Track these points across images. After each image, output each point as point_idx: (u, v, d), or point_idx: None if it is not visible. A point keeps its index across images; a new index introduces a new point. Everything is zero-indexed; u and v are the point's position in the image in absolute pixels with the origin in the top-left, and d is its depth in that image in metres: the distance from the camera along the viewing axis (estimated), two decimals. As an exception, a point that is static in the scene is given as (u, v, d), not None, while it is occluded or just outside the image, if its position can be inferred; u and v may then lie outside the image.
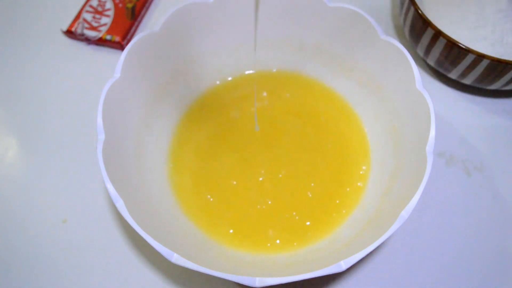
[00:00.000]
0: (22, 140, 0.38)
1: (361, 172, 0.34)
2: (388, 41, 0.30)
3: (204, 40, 0.35)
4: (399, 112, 0.32)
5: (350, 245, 0.27)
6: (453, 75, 0.38)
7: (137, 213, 0.25)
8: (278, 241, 0.31)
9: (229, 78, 0.39)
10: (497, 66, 0.33)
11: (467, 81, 0.37)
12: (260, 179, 0.33)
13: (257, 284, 0.22)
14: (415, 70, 0.29)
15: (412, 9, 0.36)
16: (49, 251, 0.33)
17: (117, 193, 0.25)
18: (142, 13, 0.45)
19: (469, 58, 0.34)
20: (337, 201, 0.32)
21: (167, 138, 0.35)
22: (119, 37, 0.42)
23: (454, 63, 0.36)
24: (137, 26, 0.44)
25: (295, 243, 0.31)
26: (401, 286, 0.31)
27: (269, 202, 0.32)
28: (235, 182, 0.33)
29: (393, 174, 0.30)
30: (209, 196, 0.33)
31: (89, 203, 0.34)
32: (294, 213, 0.32)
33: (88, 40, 0.43)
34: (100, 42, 0.42)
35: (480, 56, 0.33)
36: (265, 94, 0.38)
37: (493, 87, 0.37)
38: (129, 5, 0.44)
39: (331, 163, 0.34)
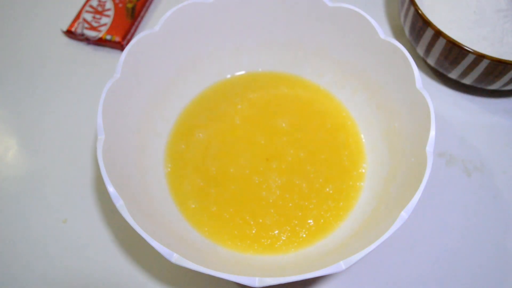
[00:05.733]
0: (22, 140, 0.38)
1: (361, 171, 0.34)
2: (389, 41, 0.30)
3: (204, 40, 0.35)
4: (399, 112, 0.32)
5: (349, 245, 0.27)
6: (453, 75, 0.38)
7: (137, 213, 0.25)
8: (278, 242, 0.31)
9: (229, 78, 0.39)
10: (497, 66, 0.33)
11: (467, 81, 0.37)
12: (260, 179, 0.33)
13: (257, 284, 0.22)
14: (415, 70, 0.29)
15: (412, 9, 0.36)
16: (49, 251, 0.33)
17: (117, 193, 0.25)
18: (142, 13, 0.45)
19: (469, 58, 0.34)
20: (337, 201, 0.32)
21: (167, 138, 0.35)
22: (119, 37, 0.42)
23: (454, 63, 0.36)
24: (137, 26, 0.44)
25: (295, 243, 0.31)
26: (400, 286, 0.31)
27: (270, 201, 0.32)
28: (235, 182, 0.33)
29: (393, 174, 0.31)
30: (209, 197, 0.33)
31: (89, 203, 0.34)
32: (294, 214, 0.32)
33: (88, 40, 0.43)
34: (100, 42, 0.42)
35: (480, 56, 0.33)
36: (263, 94, 0.38)
37: (493, 87, 0.37)
38: (129, 5, 0.44)
39: (330, 163, 0.34)
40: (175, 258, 0.23)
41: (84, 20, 0.43)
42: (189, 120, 0.36)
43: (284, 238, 0.31)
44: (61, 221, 0.34)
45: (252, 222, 0.32)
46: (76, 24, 0.43)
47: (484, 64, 0.34)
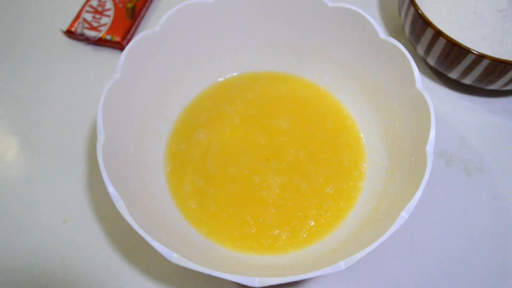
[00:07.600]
0: (22, 140, 0.38)
1: (361, 171, 0.34)
2: (389, 41, 0.30)
3: (204, 40, 0.36)
4: (399, 112, 0.32)
5: (349, 245, 0.27)
6: (453, 75, 0.38)
7: (137, 213, 0.25)
8: (278, 242, 0.31)
9: (229, 78, 0.39)
10: (497, 66, 0.33)
11: (467, 81, 0.37)
12: (260, 179, 0.33)
13: (257, 284, 0.22)
14: (415, 70, 0.29)
15: (412, 9, 0.36)
16: (49, 251, 0.33)
17: (117, 193, 0.25)
18: (142, 13, 0.45)
19: (469, 58, 0.34)
20: (337, 201, 0.32)
21: (167, 138, 0.35)
22: (119, 37, 0.42)
23: (454, 63, 0.36)
24: (137, 26, 0.44)
25: (295, 243, 0.31)
26: (401, 286, 0.31)
27: (270, 201, 0.32)
28: (235, 182, 0.33)
29: (393, 174, 0.31)
30: (208, 197, 0.33)
31: (89, 203, 0.34)
32: (294, 214, 0.32)
33: (88, 40, 0.43)
34: (100, 42, 0.42)
35: (480, 56, 0.33)
36: (263, 94, 0.38)
37: (493, 87, 0.37)
38: (129, 5, 0.44)
39: (330, 163, 0.34)
40: (175, 258, 0.23)
41: (84, 20, 0.43)
42: (189, 120, 0.36)
43: (284, 238, 0.31)
44: (61, 221, 0.34)
45: (252, 222, 0.32)
46: (76, 24, 0.43)
47: (484, 64, 0.34)
